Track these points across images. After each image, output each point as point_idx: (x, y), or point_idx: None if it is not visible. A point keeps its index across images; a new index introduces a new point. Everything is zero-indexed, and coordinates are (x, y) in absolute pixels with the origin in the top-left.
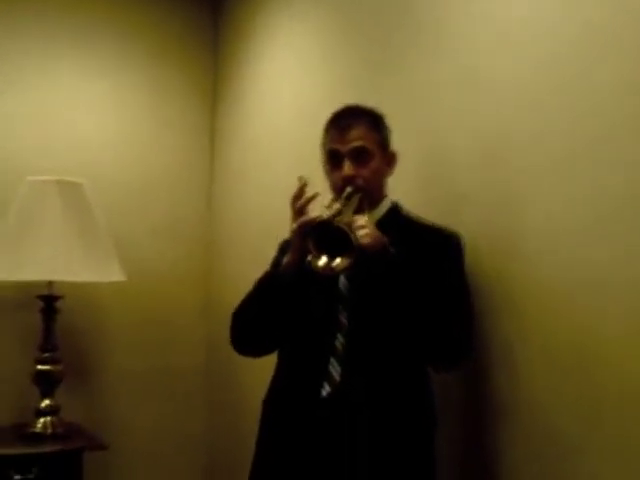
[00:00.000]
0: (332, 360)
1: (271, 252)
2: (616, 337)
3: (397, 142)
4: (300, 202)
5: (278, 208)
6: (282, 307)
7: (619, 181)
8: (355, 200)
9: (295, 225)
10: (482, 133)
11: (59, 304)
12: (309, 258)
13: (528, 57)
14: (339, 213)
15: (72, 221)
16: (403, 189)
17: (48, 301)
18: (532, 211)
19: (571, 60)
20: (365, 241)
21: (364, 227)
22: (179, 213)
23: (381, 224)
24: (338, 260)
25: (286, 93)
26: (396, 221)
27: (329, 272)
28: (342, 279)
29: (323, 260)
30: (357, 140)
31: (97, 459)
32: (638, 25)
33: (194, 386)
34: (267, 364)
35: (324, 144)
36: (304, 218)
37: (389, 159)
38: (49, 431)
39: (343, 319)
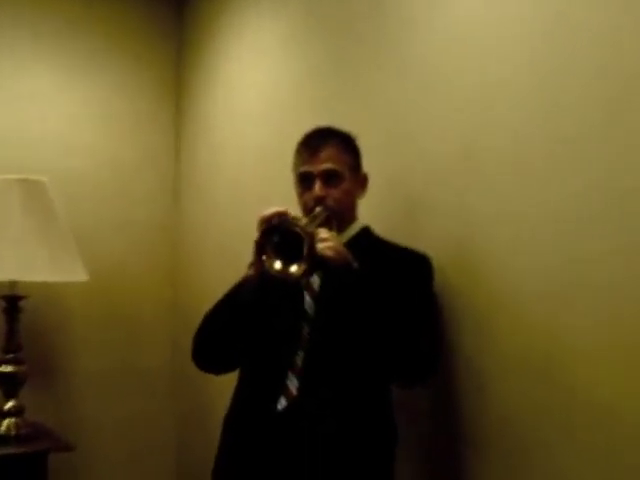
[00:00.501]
0: (290, 375)
1: (238, 249)
2: (581, 345)
3: (361, 145)
4: (268, 212)
5: (245, 204)
6: (244, 322)
7: (580, 186)
8: (321, 217)
9: (258, 223)
10: (449, 138)
11: (22, 304)
12: (264, 258)
13: (500, 55)
14: (304, 225)
15: (34, 220)
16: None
17: (11, 301)
18: (493, 223)
19: (545, 57)
20: (327, 253)
21: (327, 240)
22: (144, 210)
23: (351, 245)
24: (294, 267)
25: (252, 90)
26: (366, 242)
27: (283, 277)
28: (307, 299)
29: (278, 264)
30: (328, 161)
31: (63, 460)
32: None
33: (161, 385)
34: None
35: (295, 166)
36: (266, 213)
37: (360, 181)
38: (13, 433)
39: (305, 335)
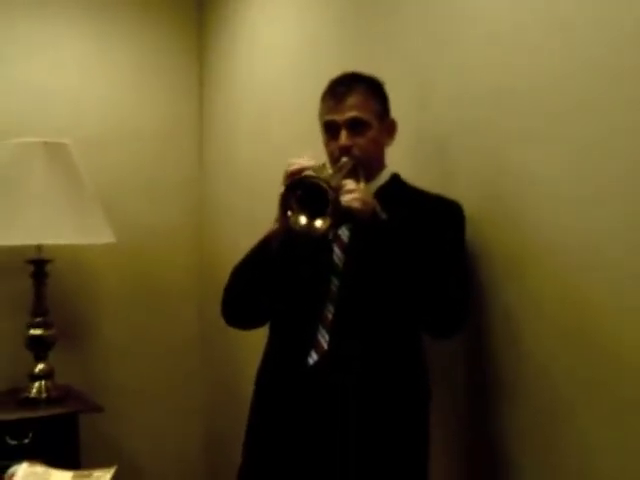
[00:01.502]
0: (320, 329)
1: (264, 212)
2: (615, 303)
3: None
4: (293, 167)
5: (270, 165)
6: (271, 277)
7: (621, 144)
8: (347, 166)
9: (283, 177)
10: (475, 95)
11: (49, 268)
12: (289, 214)
13: (525, 3)
14: (329, 178)
15: (59, 183)
16: (394, 156)
17: (38, 265)
18: (530, 176)
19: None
20: (353, 205)
21: (353, 191)
22: (169, 172)
23: (381, 193)
24: (319, 221)
25: (277, 44)
26: (396, 190)
27: (308, 232)
28: (337, 251)
29: (303, 219)
30: (353, 110)
31: (93, 422)
32: None
33: (188, 346)
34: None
35: (321, 114)
36: (291, 168)
37: (388, 128)
38: (44, 395)
39: (334, 288)
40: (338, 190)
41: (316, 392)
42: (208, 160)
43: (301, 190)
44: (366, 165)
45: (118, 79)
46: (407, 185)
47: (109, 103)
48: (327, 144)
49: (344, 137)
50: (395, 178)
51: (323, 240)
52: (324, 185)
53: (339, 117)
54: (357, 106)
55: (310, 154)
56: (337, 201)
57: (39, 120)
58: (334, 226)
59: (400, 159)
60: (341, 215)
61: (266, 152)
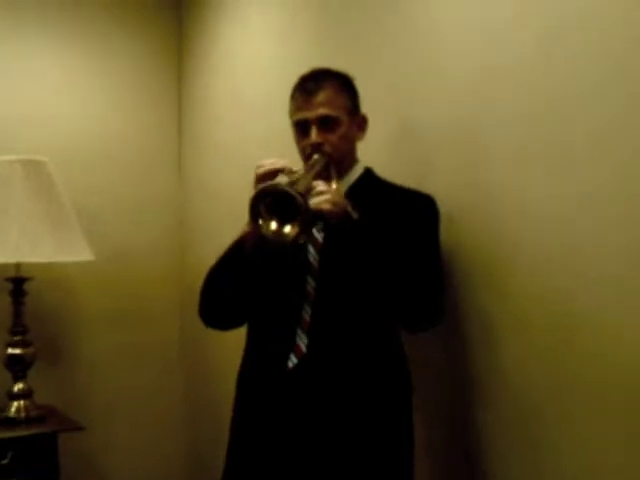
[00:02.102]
0: (298, 331)
1: (245, 222)
2: (594, 307)
3: (365, 106)
4: (263, 169)
5: (250, 184)
6: (246, 278)
7: (603, 149)
8: (318, 165)
9: (254, 180)
10: (452, 93)
11: (28, 285)
12: (260, 222)
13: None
14: (299, 179)
15: (38, 201)
16: (372, 154)
17: (16, 283)
18: (507, 175)
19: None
20: (323, 207)
21: (323, 193)
22: (148, 191)
23: (354, 189)
24: (288, 227)
25: (258, 62)
26: (370, 185)
27: (278, 239)
28: (312, 251)
29: (273, 226)
30: (323, 106)
31: (73, 441)
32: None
33: (169, 362)
34: (241, 335)
35: (291, 112)
36: (260, 171)
37: (359, 123)
38: (22, 415)
39: (311, 290)
40: (307, 194)
41: (297, 396)
42: (188, 179)
43: (268, 198)
44: (338, 161)
45: (97, 98)
46: (380, 180)
47: (88, 122)
48: (298, 142)
49: (315, 134)
50: (368, 173)
51: (294, 246)
52: (292, 192)
53: (309, 114)
54: (327, 103)
55: (278, 156)
56: (306, 206)
57: (18, 138)
58: (304, 231)
59: (379, 159)
60: (311, 219)
61: (246, 172)
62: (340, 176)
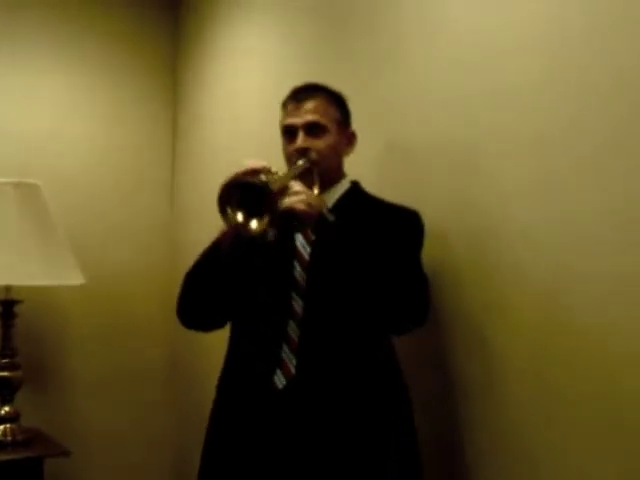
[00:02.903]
0: (285, 348)
1: None
2: (590, 325)
3: (358, 127)
4: (243, 167)
5: None
6: (223, 279)
7: (595, 160)
8: (300, 168)
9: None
10: (447, 115)
11: (17, 308)
12: (228, 211)
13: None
14: (275, 179)
15: (29, 224)
16: (363, 174)
17: (6, 306)
18: (502, 195)
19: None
20: (297, 206)
21: (298, 193)
22: (141, 215)
23: (341, 203)
24: (254, 222)
25: (252, 87)
26: (356, 200)
27: (243, 232)
28: (297, 267)
29: (239, 217)
30: (312, 113)
31: (59, 466)
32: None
33: (158, 388)
34: None
35: (281, 120)
36: (241, 169)
37: (348, 137)
38: (9, 438)
39: (297, 307)
40: (282, 193)
41: (286, 417)
42: (180, 204)
43: (238, 191)
44: (323, 170)
45: (91, 121)
46: (367, 194)
47: (82, 145)
48: (285, 148)
49: (301, 139)
50: (355, 187)
51: (263, 241)
52: (257, 183)
53: (297, 120)
54: (316, 110)
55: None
56: (273, 200)
57: (10, 160)
58: (272, 226)
59: (372, 178)
60: (280, 215)
61: None
62: (326, 189)
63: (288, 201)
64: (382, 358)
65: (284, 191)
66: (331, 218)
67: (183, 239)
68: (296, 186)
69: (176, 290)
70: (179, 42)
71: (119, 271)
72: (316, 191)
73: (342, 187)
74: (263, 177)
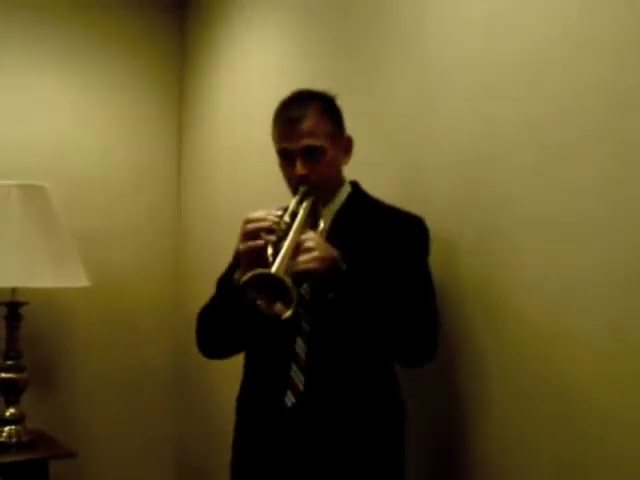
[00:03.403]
0: (293, 367)
1: None
2: (583, 346)
3: (369, 142)
4: (250, 226)
5: (248, 208)
6: (241, 314)
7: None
8: (308, 205)
9: (241, 275)
10: (460, 129)
11: (23, 310)
12: (259, 303)
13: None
14: (286, 233)
15: (35, 226)
16: (381, 189)
17: (12, 307)
18: (512, 212)
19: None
20: (312, 266)
21: (312, 249)
22: (146, 214)
23: (343, 211)
24: (279, 305)
25: (258, 93)
26: (358, 206)
27: (272, 315)
28: (304, 285)
29: (261, 303)
30: (307, 137)
31: (65, 467)
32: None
33: (163, 390)
34: (235, 364)
35: (274, 139)
36: (246, 229)
37: (344, 145)
38: (14, 440)
39: (305, 325)
40: (283, 278)
41: (295, 434)
42: (186, 207)
43: (254, 285)
44: (324, 188)
45: (98, 125)
46: (368, 197)
47: (88, 147)
48: (284, 169)
49: (299, 167)
50: (355, 191)
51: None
52: (278, 276)
53: (293, 145)
54: (310, 133)
55: (266, 210)
56: (292, 285)
57: (17, 163)
58: (295, 302)
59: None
60: (300, 280)
61: (244, 201)
62: (329, 200)
63: (303, 262)
64: (383, 376)
65: (297, 248)
66: (344, 266)
67: (189, 244)
68: (309, 242)
69: (182, 294)
70: (185, 42)
71: (125, 273)
72: (322, 225)
73: (343, 193)
74: (273, 237)
